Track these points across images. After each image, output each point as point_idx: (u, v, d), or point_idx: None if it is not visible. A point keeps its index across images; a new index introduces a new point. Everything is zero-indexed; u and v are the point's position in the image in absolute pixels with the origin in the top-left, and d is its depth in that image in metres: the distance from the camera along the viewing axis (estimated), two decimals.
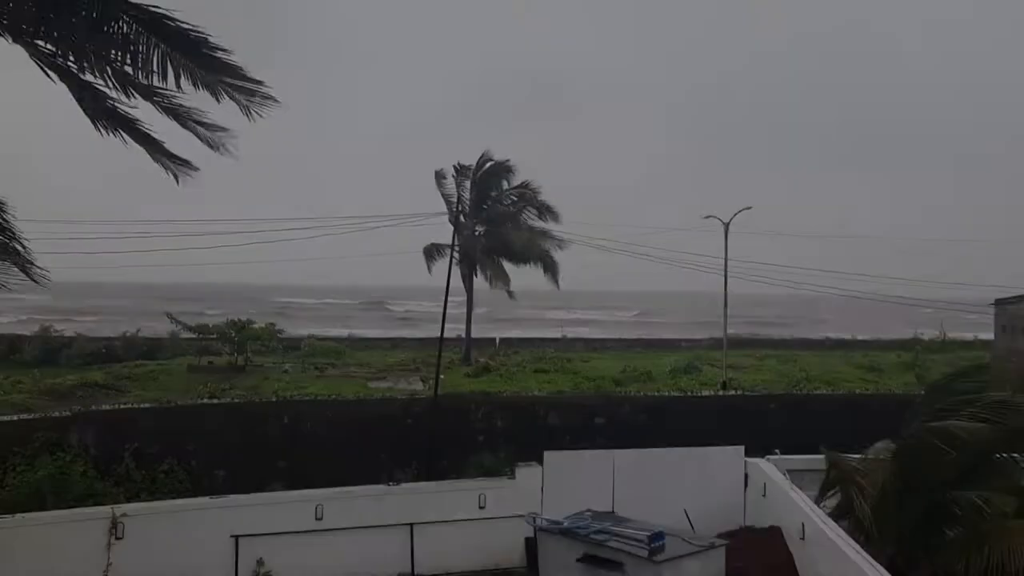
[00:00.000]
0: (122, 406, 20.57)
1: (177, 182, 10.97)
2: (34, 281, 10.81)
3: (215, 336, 32.15)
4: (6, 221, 10.29)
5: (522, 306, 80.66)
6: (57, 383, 24.67)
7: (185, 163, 10.88)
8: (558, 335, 45.61)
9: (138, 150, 10.79)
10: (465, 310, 33.53)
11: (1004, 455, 12.20)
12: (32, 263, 10.48)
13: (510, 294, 32.31)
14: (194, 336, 33.41)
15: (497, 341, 41.88)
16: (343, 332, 48.89)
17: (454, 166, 32.54)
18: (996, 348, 40.09)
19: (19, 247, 10.37)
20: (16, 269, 10.67)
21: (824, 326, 72.33)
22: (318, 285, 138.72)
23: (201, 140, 10.86)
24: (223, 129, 10.48)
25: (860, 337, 50.25)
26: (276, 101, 10.24)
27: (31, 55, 9.58)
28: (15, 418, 18.51)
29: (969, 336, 48.06)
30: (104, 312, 78.40)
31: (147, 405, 20.41)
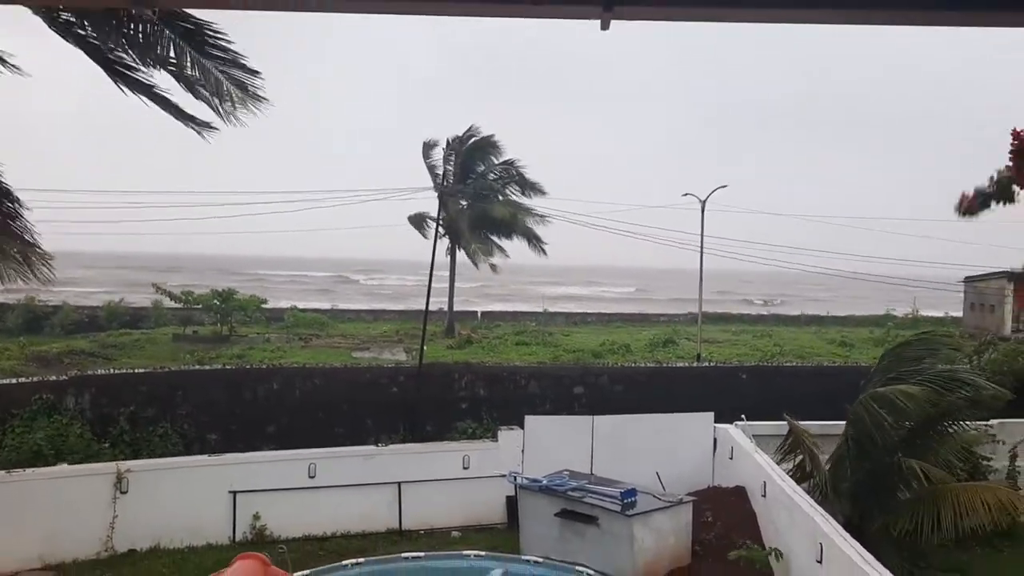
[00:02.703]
0: (116, 371, 21.12)
1: (203, 136, 11.67)
2: (39, 280, 11.37)
3: (200, 306, 32.63)
4: (27, 228, 10.83)
5: (515, 281, 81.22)
6: (44, 350, 25.14)
7: (206, 124, 11.50)
8: (539, 309, 46.34)
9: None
10: (448, 284, 34.21)
11: (947, 422, 13.14)
12: (46, 262, 10.99)
13: (493, 267, 32.90)
14: (178, 306, 33.86)
15: (479, 314, 42.60)
16: (324, 304, 49.40)
17: (447, 140, 33.08)
18: (965, 324, 41.48)
19: (36, 247, 10.91)
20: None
21: (805, 303, 73.51)
22: (292, 257, 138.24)
23: (212, 109, 11.47)
24: (231, 101, 11.09)
25: (835, 314, 51.34)
26: (264, 99, 11.13)
27: (49, 25, 10.09)
28: (12, 381, 19.01)
29: (941, 313, 49.30)
30: (80, 282, 78.13)
31: (141, 370, 20.96)
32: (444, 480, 15.49)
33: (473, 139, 33.22)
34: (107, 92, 12.12)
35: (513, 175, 33.74)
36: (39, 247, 10.90)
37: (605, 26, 2.00)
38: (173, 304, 34.04)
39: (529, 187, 33.77)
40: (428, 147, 33.15)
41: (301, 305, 45.20)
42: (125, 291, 45.97)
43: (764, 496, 13.39)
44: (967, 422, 13.57)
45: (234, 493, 14.12)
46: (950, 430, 13.22)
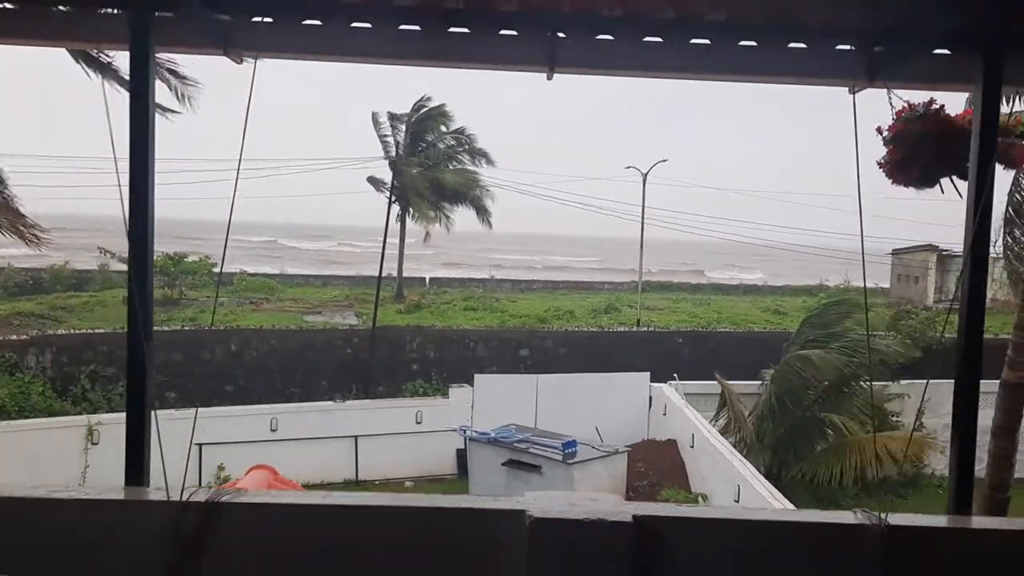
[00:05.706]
0: (76, 331, 21.42)
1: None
2: (29, 243, 11.77)
3: None
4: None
5: (470, 249, 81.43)
6: None
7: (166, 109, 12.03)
8: (486, 276, 47.17)
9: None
10: (398, 250, 34.84)
11: (857, 382, 14.60)
12: (33, 226, 11.42)
13: (426, 237, 33.68)
14: (125, 268, 33.65)
15: (427, 280, 43.28)
16: (273, 269, 49.35)
17: (391, 112, 33.50)
18: (892, 294, 43.82)
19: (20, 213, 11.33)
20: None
21: (761, 276, 75.71)
22: (236, 222, 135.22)
23: (170, 89, 12.05)
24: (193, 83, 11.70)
25: (772, 283, 53.18)
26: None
27: None
28: None
29: (872, 284, 51.55)
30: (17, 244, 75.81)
31: (101, 330, 21.29)
32: (398, 434, 16.49)
33: (424, 108, 33.71)
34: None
35: (464, 144, 34.40)
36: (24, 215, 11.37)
37: (550, 77, 2.90)
38: (121, 267, 33.88)
39: (479, 155, 34.49)
40: (378, 117, 33.53)
41: (250, 270, 45.18)
42: (66, 254, 45.29)
43: (692, 447, 14.72)
44: (877, 381, 15.08)
45: (200, 445, 14.87)
46: (860, 388, 14.67)
